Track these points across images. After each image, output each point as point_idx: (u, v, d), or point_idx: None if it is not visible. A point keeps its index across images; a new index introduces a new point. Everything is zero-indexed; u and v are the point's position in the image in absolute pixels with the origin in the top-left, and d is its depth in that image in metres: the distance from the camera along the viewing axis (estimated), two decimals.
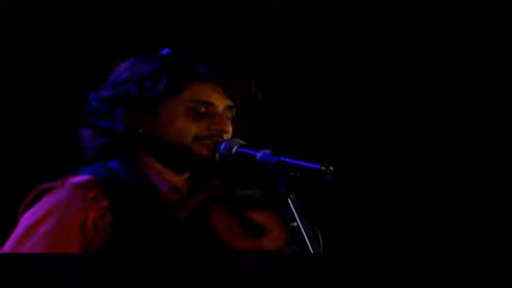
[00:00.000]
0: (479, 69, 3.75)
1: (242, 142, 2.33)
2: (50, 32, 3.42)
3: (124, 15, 3.47)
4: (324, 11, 3.73)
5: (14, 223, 2.26)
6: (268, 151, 2.25)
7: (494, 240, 3.70)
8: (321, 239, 2.13)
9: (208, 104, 2.36)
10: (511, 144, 3.75)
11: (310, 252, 2.08)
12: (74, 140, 2.40)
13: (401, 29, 3.74)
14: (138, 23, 3.47)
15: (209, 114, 2.35)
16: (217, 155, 2.32)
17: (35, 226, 2.22)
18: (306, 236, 2.11)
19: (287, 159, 2.20)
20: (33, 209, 2.25)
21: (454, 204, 3.75)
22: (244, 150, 2.29)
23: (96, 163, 2.35)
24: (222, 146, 2.32)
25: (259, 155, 2.25)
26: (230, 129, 2.37)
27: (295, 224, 2.12)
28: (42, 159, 3.31)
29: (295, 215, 2.13)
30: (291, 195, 2.15)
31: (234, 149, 2.30)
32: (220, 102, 2.38)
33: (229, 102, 2.40)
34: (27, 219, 2.24)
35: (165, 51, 2.43)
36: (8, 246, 2.21)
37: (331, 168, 2.14)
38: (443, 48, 3.75)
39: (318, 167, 2.15)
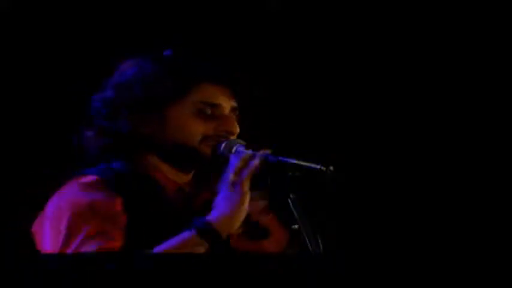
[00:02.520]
0: (479, 69, 3.75)
1: (242, 142, 2.32)
2: (51, 32, 3.41)
3: (126, 16, 3.47)
4: (324, 11, 3.73)
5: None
6: (268, 151, 2.25)
7: (494, 240, 3.70)
8: (320, 239, 2.13)
9: (215, 106, 2.35)
10: (511, 144, 3.75)
11: (310, 252, 2.08)
12: (75, 141, 2.39)
13: (401, 29, 3.74)
14: (139, 24, 3.46)
15: (216, 116, 2.34)
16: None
17: (78, 223, 2.18)
18: (306, 237, 2.11)
19: (287, 159, 2.20)
20: (60, 211, 2.21)
21: (454, 205, 3.75)
22: (244, 150, 2.29)
23: (100, 164, 2.34)
24: (222, 146, 2.31)
25: (259, 155, 2.25)
26: (238, 130, 2.37)
27: (296, 225, 2.12)
28: (42, 159, 3.30)
29: (295, 215, 2.13)
30: (291, 196, 2.15)
31: (234, 149, 2.30)
32: (227, 104, 2.37)
33: (235, 104, 2.39)
34: (61, 219, 2.20)
35: (169, 52, 2.42)
36: (54, 248, 2.17)
37: (331, 168, 2.14)
38: (442, 49, 3.75)
39: (318, 167, 2.15)
